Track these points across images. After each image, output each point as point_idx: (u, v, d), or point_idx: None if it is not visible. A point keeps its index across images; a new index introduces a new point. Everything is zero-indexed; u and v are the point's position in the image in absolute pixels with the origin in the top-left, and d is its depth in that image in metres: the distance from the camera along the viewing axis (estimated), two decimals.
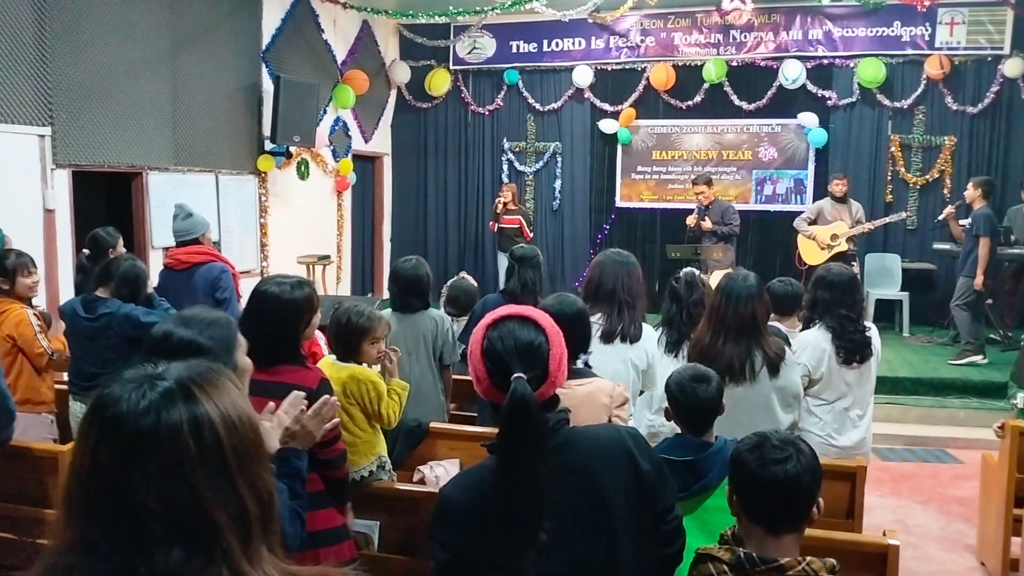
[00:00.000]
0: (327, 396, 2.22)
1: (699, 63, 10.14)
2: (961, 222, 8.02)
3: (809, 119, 9.87)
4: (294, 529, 1.97)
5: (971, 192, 7.77)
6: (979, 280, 7.40)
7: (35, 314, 4.25)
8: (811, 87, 9.87)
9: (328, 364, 3.09)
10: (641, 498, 1.70)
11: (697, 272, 4.15)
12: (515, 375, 1.59)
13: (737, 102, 10.12)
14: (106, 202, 7.52)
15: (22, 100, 5.97)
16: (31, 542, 3.17)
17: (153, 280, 4.77)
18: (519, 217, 9.77)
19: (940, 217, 8.30)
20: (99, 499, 0.96)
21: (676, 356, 3.83)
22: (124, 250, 5.20)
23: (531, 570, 1.55)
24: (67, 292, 5.98)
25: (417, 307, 4.07)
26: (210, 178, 8.11)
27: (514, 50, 11.02)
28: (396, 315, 4.04)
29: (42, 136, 6.15)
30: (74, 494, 0.98)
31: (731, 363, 3.25)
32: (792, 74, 9.80)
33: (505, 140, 11.30)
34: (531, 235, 9.91)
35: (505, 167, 11.36)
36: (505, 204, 9.69)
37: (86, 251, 5.15)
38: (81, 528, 0.97)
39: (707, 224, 8.18)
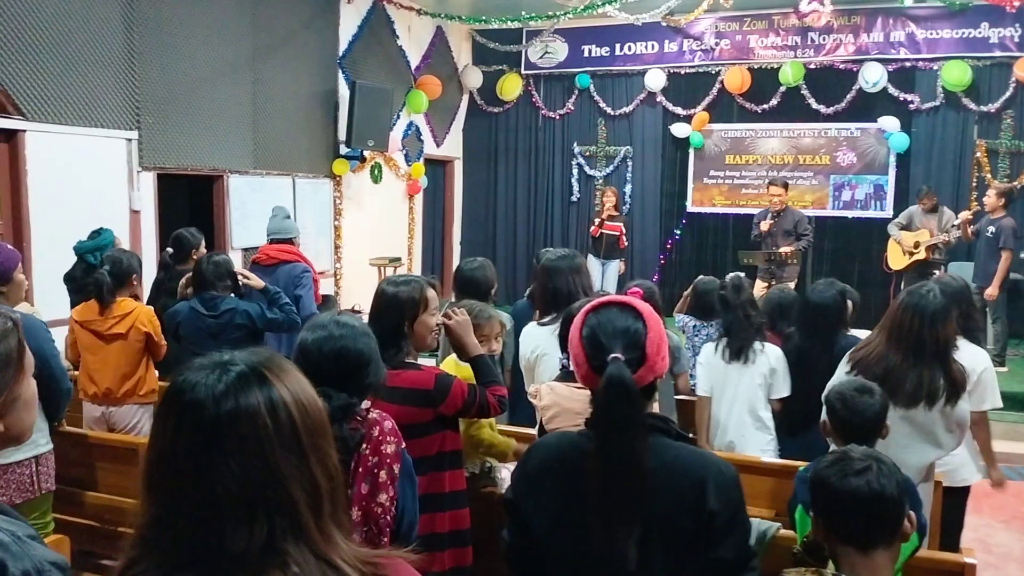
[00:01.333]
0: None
1: (775, 66, 9.94)
2: (971, 228, 7.69)
3: (890, 123, 9.56)
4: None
5: (992, 200, 7.47)
6: (994, 291, 7.21)
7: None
8: (892, 90, 9.57)
9: (451, 363, 3.10)
10: (696, 539, 1.59)
11: (742, 275, 4.10)
12: (612, 355, 1.61)
13: (815, 105, 9.87)
14: (188, 203, 7.80)
15: (111, 105, 6.24)
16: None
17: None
18: (620, 224, 9.40)
19: (956, 222, 7.89)
20: (179, 480, 1.01)
21: (745, 363, 3.77)
22: (205, 250, 5.38)
23: (632, 555, 1.55)
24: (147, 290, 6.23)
25: None
26: (287, 181, 8.34)
27: (586, 54, 11.00)
28: None
29: (129, 140, 6.42)
30: (155, 476, 1.04)
31: (916, 388, 3.00)
32: (873, 77, 9.51)
33: (575, 144, 11.29)
34: (626, 243, 9.70)
35: (575, 171, 11.34)
36: (609, 209, 9.33)
37: (169, 250, 5.35)
38: (162, 508, 1.02)
39: (765, 226, 8.01)
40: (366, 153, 9.30)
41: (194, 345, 4.23)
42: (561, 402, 2.64)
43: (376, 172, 9.73)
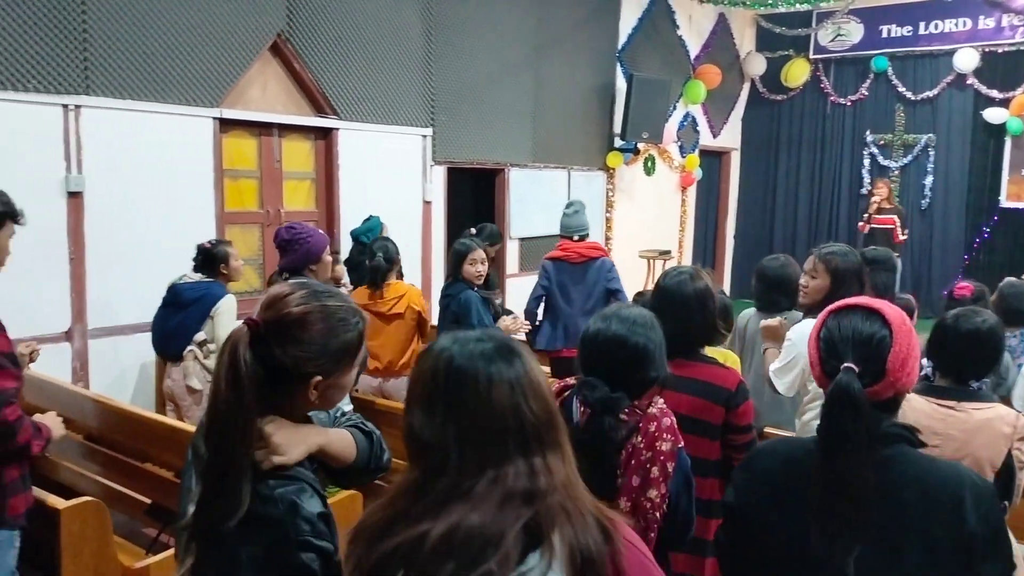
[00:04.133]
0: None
1: None
2: None
3: None
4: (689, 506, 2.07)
5: None
6: None
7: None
8: None
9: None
10: (952, 558, 1.48)
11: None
12: (845, 365, 1.51)
13: None
14: (472, 195, 8.33)
15: (410, 105, 6.83)
16: None
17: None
18: (893, 216, 8.78)
19: None
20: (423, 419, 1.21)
21: None
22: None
23: (851, 572, 1.47)
24: (438, 275, 6.77)
25: (783, 306, 3.91)
26: (563, 174, 8.60)
27: (884, 35, 10.13)
28: (760, 314, 3.93)
29: (424, 136, 6.99)
30: (411, 411, 1.23)
31: None
32: None
33: (868, 133, 10.47)
34: (903, 237, 8.92)
35: (867, 162, 10.52)
36: (879, 202, 8.79)
37: (472, 230, 5.70)
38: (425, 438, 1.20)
39: None
40: (640, 145, 9.32)
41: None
42: (917, 417, 2.45)
43: (649, 164, 9.72)
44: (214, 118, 5.44)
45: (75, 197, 4.75)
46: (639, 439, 1.99)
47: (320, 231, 3.79)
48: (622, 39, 9.09)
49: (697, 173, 10.32)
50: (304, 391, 1.43)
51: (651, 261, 9.46)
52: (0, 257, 2.60)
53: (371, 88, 6.47)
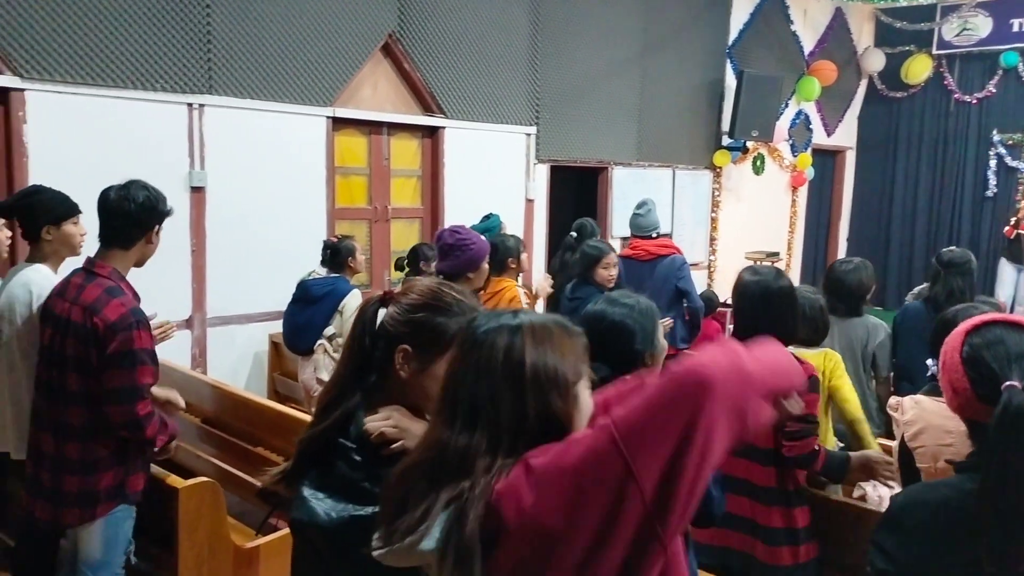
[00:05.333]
0: None
1: None
2: None
3: None
4: (718, 493, 2.03)
5: None
6: None
7: (525, 292, 4.82)
8: None
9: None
10: None
11: None
12: (1007, 383, 1.40)
13: None
14: (574, 193, 8.31)
15: (516, 103, 6.87)
16: None
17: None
18: None
19: None
20: (449, 391, 1.25)
21: None
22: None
23: None
24: (538, 273, 6.79)
25: (842, 312, 3.78)
26: (667, 173, 8.48)
27: (1015, 28, 9.54)
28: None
29: (528, 135, 7.02)
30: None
31: None
32: None
33: (995, 132, 9.88)
34: None
35: (993, 163, 9.94)
36: None
37: (573, 234, 5.71)
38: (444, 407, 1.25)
39: None
40: (749, 144, 9.10)
41: None
42: (928, 418, 2.37)
43: (758, 163, 9.47)
44: (327, 117, 5.62)
45: (197, 192, 5.00)
46: None
47: (483, 238, 3.70)
48: (732, 35, 8.89)
49: (809, 173, 9.99)
50: (393, 360, 1.46)
51: (758, 263, 9.20)
52: (152, 253, 2.73)
53: (477, 87, 6.54)
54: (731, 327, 2.89)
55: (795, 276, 10.30)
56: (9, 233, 3.27)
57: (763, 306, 2.62)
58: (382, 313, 1.49)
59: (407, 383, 1.47)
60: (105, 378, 2.51)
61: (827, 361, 3.07)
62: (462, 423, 1.19)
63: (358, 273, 4.58)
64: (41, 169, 4.30)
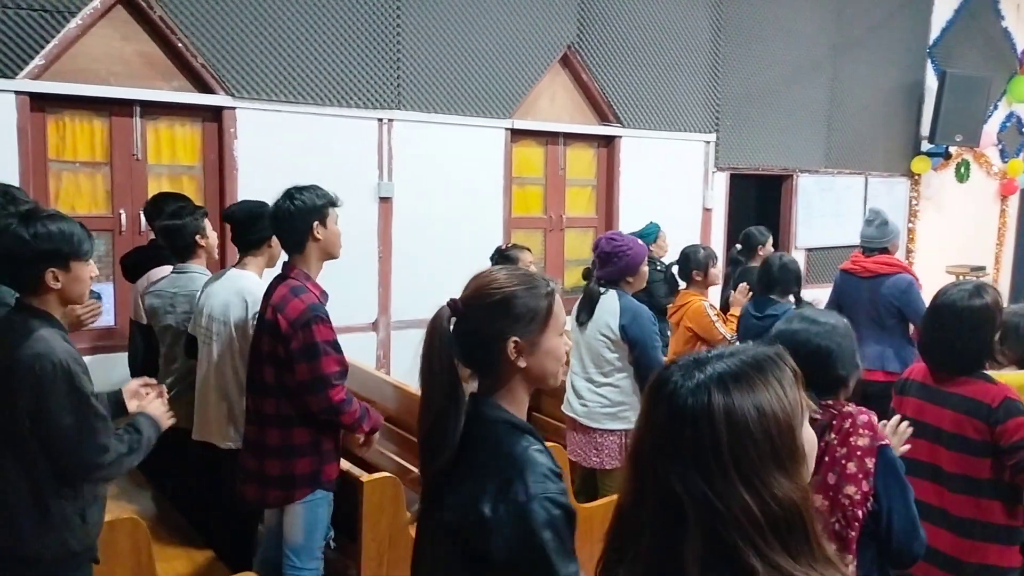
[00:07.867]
0: None
1: None
2: None
3: None
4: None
5: None
6: None
7: (710, 304, 4.67)
8: None
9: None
10: None
11: None
12: None
13: None
14: (756, 202, 8.02)
15: (694, 111, 6.73)
16: None
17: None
18: None
19: None
20: (642, 462, 1.06)
21: None
22: (772, 248, 5.46)
23: None
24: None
25: None
26: (859, 180, 8.01)
27: None
28: None
29: (707, 142, 6.86)
30: (633, 455, 1.09)
31: None
32: None
33: None
34: None
35: None
36: None
37: (738, 246, 5.55)
38: (636, 483, 1.07)
39: None
40: (952, 149, 8.42)
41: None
42: None
43: (963, 170, 8.75)
44: (506, 129, 5.75)
45: (385, 202, 5.27)
46: (832, 436, 1.99)
47: (639, 242, 3.71)
48: (934, 33, 8.28)
49: (1021, 180, 9.10)
50: (503, 355, 1.48)
51: (960, 278, 8.49)
52: (335, 242, 2.91)
53: (655, 95, 6.47)
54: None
55: (1004, 291, 9.40)
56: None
57: (953, 325, 2.50)
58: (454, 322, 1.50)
59: (525, 370, 1.50)
60: (297, 371, 2.73)
61: None
62: None
63: None
64: (247, 180, 4.70)
